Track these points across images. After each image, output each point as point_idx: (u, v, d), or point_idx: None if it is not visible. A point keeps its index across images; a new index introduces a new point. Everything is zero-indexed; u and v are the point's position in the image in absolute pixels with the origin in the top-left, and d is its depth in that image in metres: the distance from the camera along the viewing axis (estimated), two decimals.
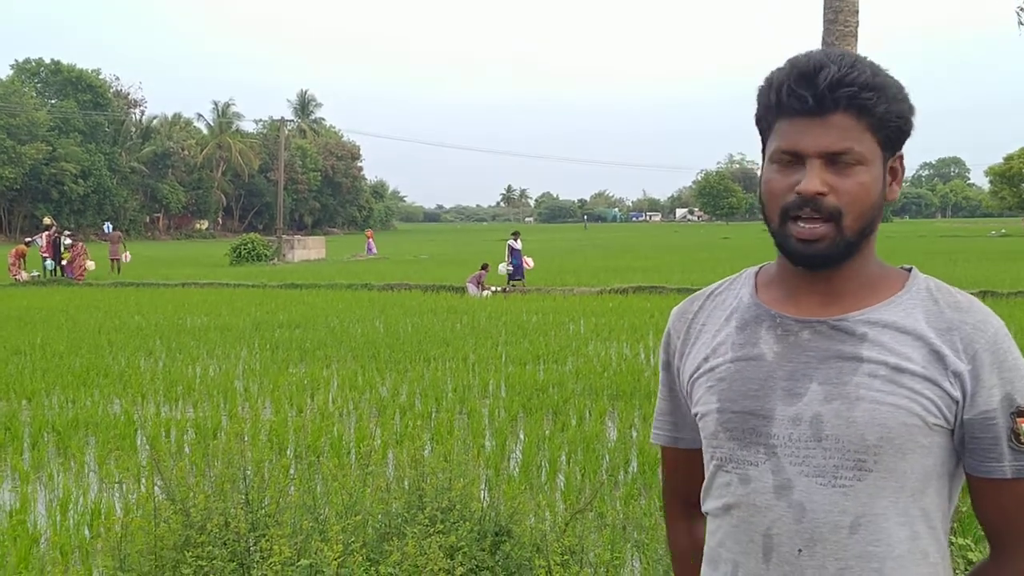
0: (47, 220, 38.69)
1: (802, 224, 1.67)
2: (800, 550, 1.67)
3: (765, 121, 1.76)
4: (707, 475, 1.84)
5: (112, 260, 39.82)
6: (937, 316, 1.71)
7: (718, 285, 1.95)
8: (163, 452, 9.13)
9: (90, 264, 35.76)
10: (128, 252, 41.66)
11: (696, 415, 1.86)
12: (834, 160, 1.66)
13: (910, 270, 1.81)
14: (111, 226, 50.07)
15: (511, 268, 30.04)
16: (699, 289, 2.01)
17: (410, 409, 11.04)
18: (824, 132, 1.65)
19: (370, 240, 59.97)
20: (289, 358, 15.06)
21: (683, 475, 2.01)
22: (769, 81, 1.73)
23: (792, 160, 1.69)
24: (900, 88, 1.70)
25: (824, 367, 1.70)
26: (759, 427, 1.72)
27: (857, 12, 8.25)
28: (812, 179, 1.65)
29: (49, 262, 35.50)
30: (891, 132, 1.69)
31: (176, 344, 16.68)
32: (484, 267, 28.58)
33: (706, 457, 1.84)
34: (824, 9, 8.16)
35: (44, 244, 36.02)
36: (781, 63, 1.74)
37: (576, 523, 5.07)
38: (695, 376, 1.85)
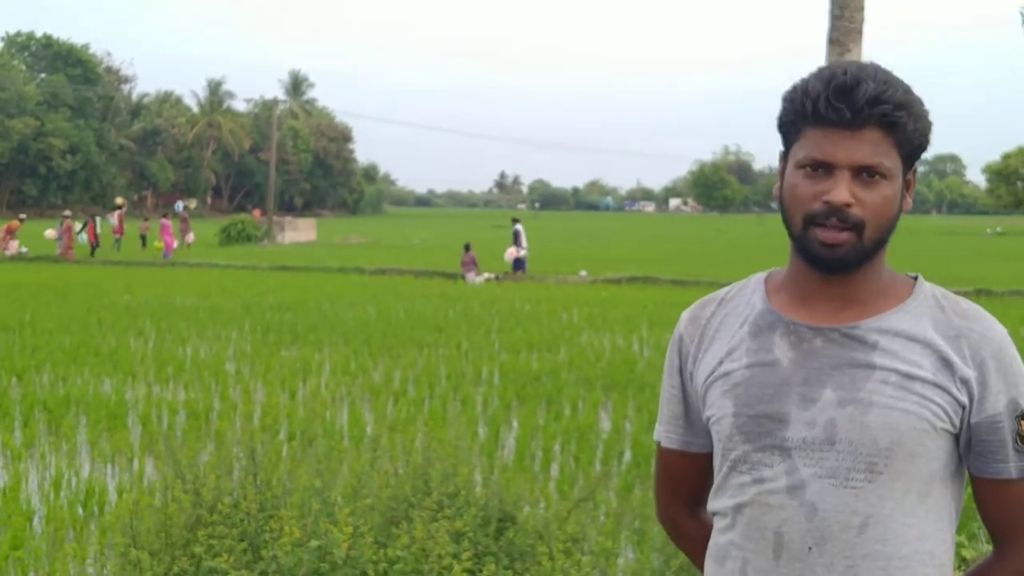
0: (119, 200, 42.13)
1: (828, 230, 1.73)
2: (810, 548, 1.74)
3: (794, 126, 1.80)
4: (719, 476, 1.89)
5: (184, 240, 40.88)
6: (945, 324, 1.79)
7: (728, 291, 1.99)
8: (156, 433, 9.11)
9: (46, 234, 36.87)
10: (192, 234, 42.71)
11: (709, 418, 1.90)
12: (862, 173, 1.73)
13: (916, 278, 1.87)
14: (182, 204, 50.14)
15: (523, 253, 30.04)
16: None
17: (403, 395, 11.03)
18: (856, 146, 1.72)
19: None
20: (281, 341, 15.04)
21: (691, 478, 2.05)
22: (804, 90, 1.77)
23: (820, 169, 1.75)
24: (923, 105, 1.78)
25: (837, 374, 1.77)
26: (774, 430, 1.79)
27: (862, 8, 8.23)
28: (842, 190, 1.72)
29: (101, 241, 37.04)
30: (913, 148, 1.77)
31: (166, 324, 16.64)
32: (467, 247, 28.44)
33: (718, 459, 1.90)
34: (830, 4, 8.13)
35: (117, 223, 38.96)
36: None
37: (578, 511, 5.08)
38: (709, 380, 1.90)
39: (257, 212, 62.21)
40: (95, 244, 36.26)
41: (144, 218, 46.74)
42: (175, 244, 37.40)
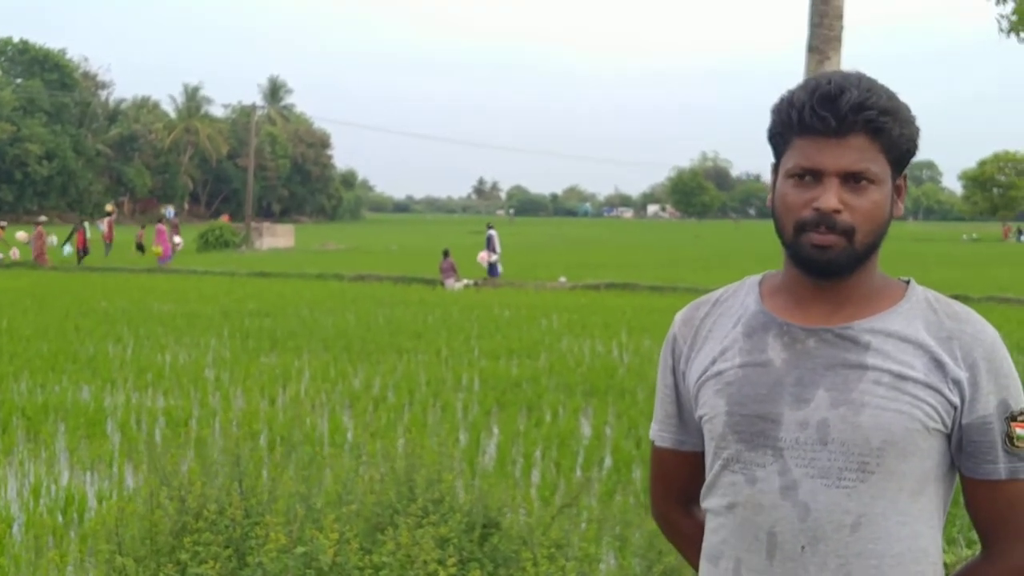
0: (109, 207, 44.22)
1: (818, 234, 1.76)
2: (804, 547, 1.76)
3: (782, 137, 1.84)
4: (711, 474, 1.91)
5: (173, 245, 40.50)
6: (937, 326, 1.81)
7: (722, 292, 2.01)
8: (135, 440, 9.07)
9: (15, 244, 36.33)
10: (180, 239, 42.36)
11: (701, 417, 1.92)
12: (850, 179, 1.76)
13: (908, 281, 1.90)
14: (172, 211, 49.75)
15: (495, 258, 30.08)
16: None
17: (383, 402, 11.02)
18: (843, 152, 1.75)
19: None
20: (260, 347, 14.99)
21: (684, 476, 2.08)
22: (790, 101, 1.80)
23: (809, 177, 1.77)
24: (909, 111, 1.81)
25: (830, 374, 1.79)
26: (767, 430, 1.80)
27: (841, 17, 8.31)
28: (830, 197, 1.75)
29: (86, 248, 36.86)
30: (901, 154, 1.80)
31: (144, 331, 16.57)
32: (446, 253, 28.43)
33: (710, 457, 1.92)
34: (810, 13, 8.20)
35: (107, 230, 39.78)
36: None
37: (561, 517, 5.11)
38: (702, 379, 1.92)
39: (225, 217, 61.84)
40: (83, 251, 36.01)
41: (141, 225, 47.46)
42: (173, 248, 37.16)
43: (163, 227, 37.17)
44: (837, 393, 1.77)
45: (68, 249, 36.23)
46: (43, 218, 38.64)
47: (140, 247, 41.66)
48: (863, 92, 1.74)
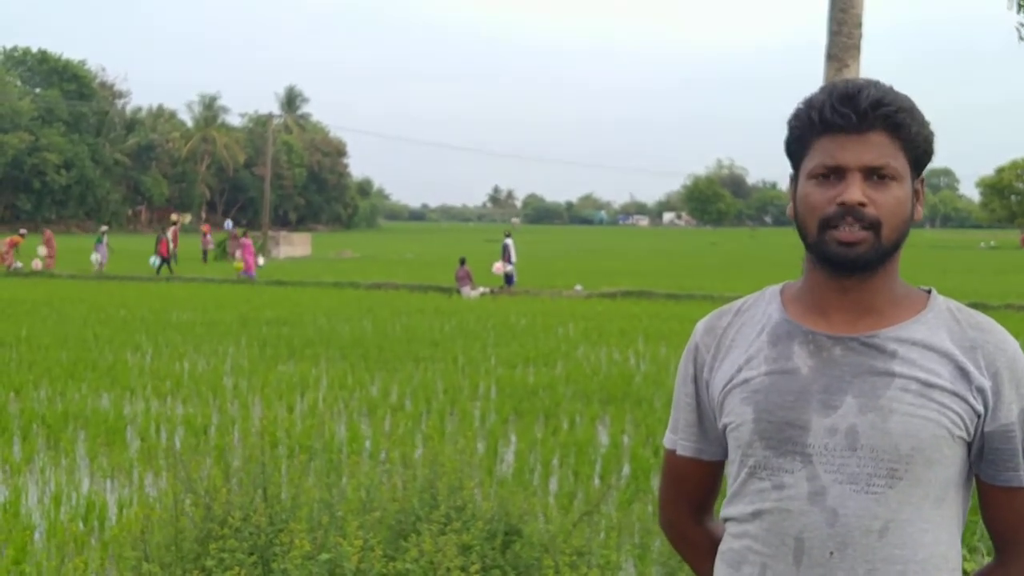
0: (174, 217, 44.63)
1: (845, 228, 1.77)
2: (832, 553, 1.78)
3: (801, 141, 1.86)
4: (736, 482, 1.92)
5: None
6: (960, 335, 1.83)
7: (743, 302, 2.03)
8: (155, 448, 9.11)
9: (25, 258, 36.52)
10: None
11: (727, 425, 1.93)
12: (872, 175, 1.78)
13: (929, 291, 1.91)
14: (232, 223, 49.27)
15: (510, 268, 30.09)
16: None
17: (400, 410, 11.04)
18: (864, 148, 1.78)
19: None
20: (277, 355, 15.03)
21: (700, 485, 2.10)
22: (809, 103, 1.84)
23: (831, 175, 1.80)
24: (924, 115, 1.85)
25: (858, 381, 1.80)
26: (795, 437, 1.81)
27: (860, 25, 8.28)
28: (854, 190, 1.77)
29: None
30: (919, 154, 1.83)
31: (162, 339, 16.64)
32: (462, 261, 28.47)
33: (735, 466, 1.93)
34: (829, 20, 8.19)
35: (172, 239, 39.53)
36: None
37: (583, 525, 5.12)
38: (727, 388, 1.92)
39: (206, 227, 60.45)
40: (166, 260, 35.92)
41: (203, 233, 48.45)
42: (257, 263, 36.45)
43: (248, 241, 36.60)
44: (865, 400, 1.78)
45: (155, 260, 35.97)
46: (104, 228, 39.69)
47: (206, 255, 42.46)
48: (880, 91, 1.79)
